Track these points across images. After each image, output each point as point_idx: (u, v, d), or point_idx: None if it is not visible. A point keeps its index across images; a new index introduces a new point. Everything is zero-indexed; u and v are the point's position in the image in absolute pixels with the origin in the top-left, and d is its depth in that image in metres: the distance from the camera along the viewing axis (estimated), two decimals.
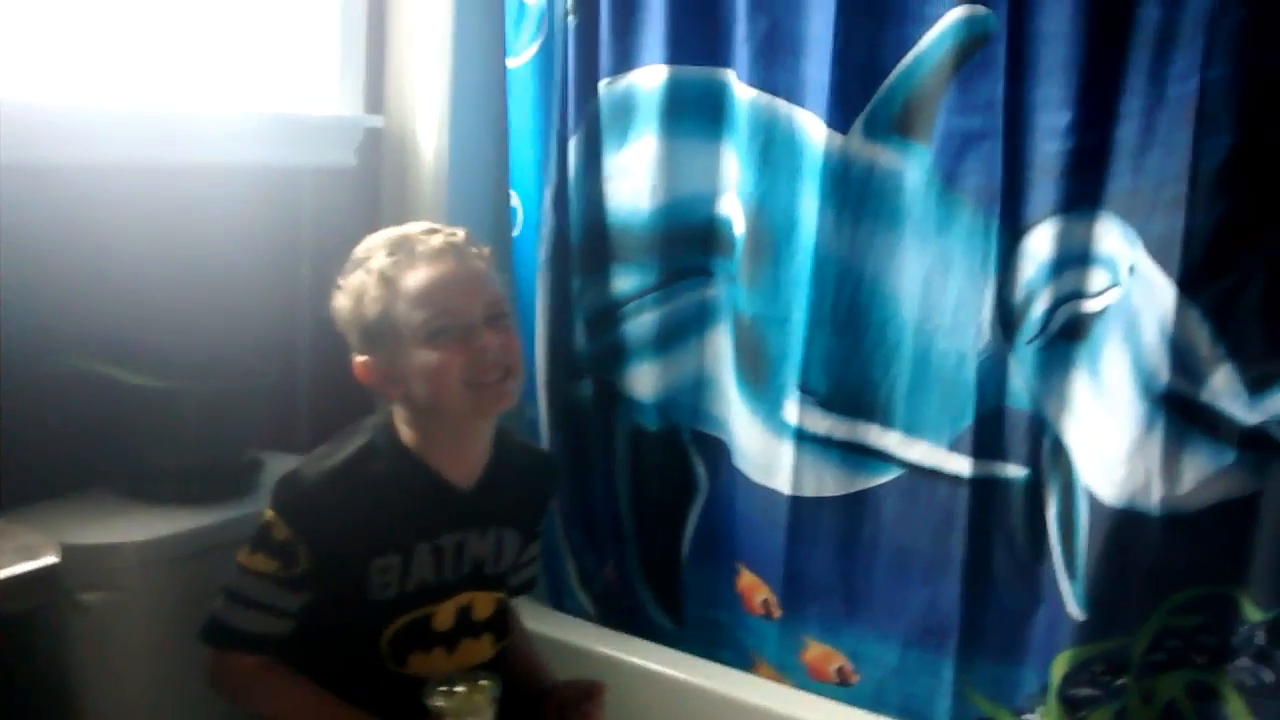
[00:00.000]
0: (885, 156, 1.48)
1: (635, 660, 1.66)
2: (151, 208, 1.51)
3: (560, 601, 1.84)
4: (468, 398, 1.22)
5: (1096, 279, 1.36)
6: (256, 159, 1.64)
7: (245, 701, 1.27)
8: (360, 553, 1.22)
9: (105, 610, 1.29)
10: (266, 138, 1.64)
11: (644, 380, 1.71)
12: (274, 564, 1.21)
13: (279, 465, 1.34)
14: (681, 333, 1.69)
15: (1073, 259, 1.37)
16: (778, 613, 1.63)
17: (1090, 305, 1.37)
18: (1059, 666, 1.40)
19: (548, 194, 1.72)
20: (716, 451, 1.70)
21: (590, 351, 1.74)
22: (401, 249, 1.23)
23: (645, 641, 1.72)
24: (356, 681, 1.24)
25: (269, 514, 1.22)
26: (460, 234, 1.28)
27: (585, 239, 1.71)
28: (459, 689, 1.20)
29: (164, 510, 1.38)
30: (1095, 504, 1.36)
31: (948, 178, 1.43)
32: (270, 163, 1.66)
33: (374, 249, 1.25)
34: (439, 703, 1.18)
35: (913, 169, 1.46)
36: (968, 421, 1.45)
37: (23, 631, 0.92)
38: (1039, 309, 1.39)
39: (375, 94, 1.83)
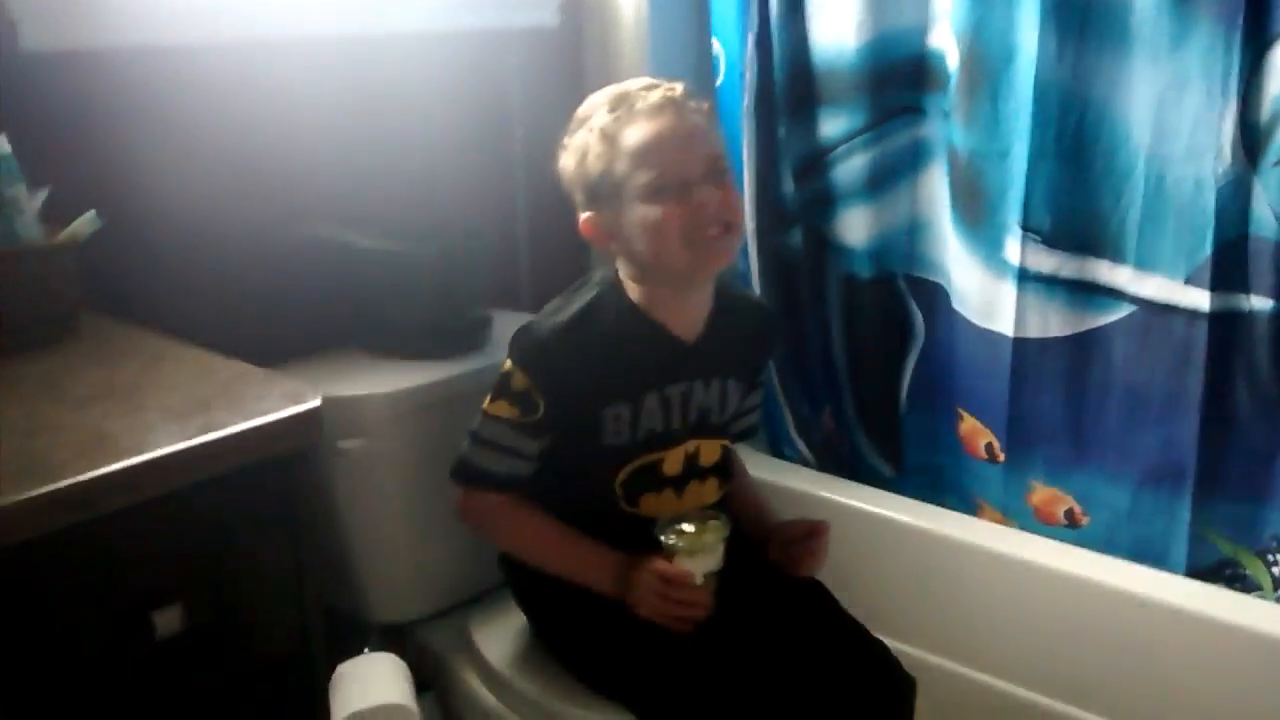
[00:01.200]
0: None
1: (857, 504, 1.68)
2: (367, 79, 1.57)
3: (779, 450, 1.87)
4: (687, 254, 1.23)
5: None
6: (463, 24, 1.67)
7: (491, 535, 1.36)
8: (591, 402, 1.27)
9: (360, 455, 1.40)
10: (472, 3, 1.67)
11: (855, 226, 1.68)
12: (514, 410, 1.27)
13: (506, 321, 1.41)
14: (893, 175, 1.65)
15: None
16: (1002, 456, 1.61)
17: None
18: None
19: (750, 39, 1.68)
20: (933, 296, 1.67)
21: (799, 199, 1.72)
22: (622, 105, 1.25)
23: (867, 486, 1.73)
24: (592, 520, 1.31)
25: (508, 364, 1.28)
26: (679, 88, 1.27)
27: (790, 83, 1.67)
28: (690, 528, 1.24)
29: (406, 364, 1.47)
30: None
31: None
32: (476, 27, 1.69)
33: (596, 106, 1.27)
34: (672, 540, 1.23)
35: None
36: (1206, 252, 1.36)
37: (302, 469, 1.00)
38: None
39: None
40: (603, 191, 1.25)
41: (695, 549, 1.23)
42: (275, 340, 1.46)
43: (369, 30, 1.55)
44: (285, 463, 0.98)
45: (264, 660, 1.02)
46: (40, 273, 1.14)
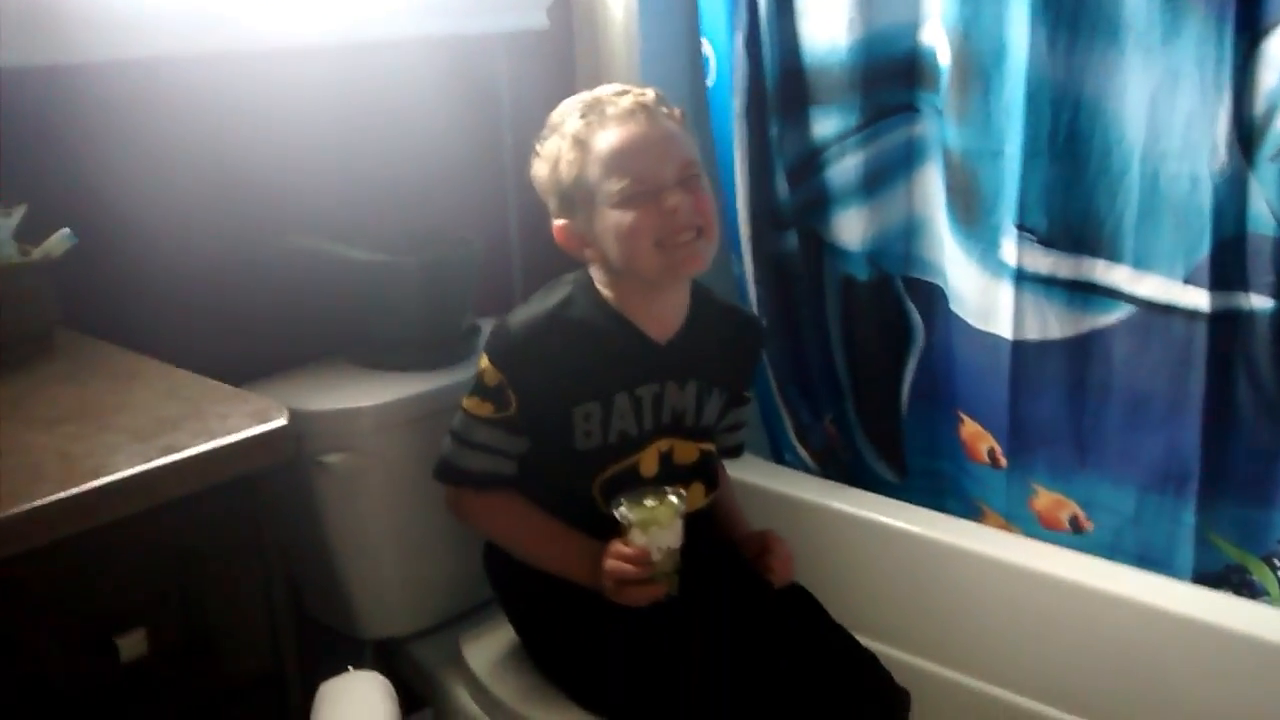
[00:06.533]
0: None
1: (859, 512, 1.65)
2: (355, 87, 1.56)
3: (780, 457, 1.84)
4: (659, 259, 1.23)
5: None
6: (452, 29, 1.65)
7: (478, 529, 1.37)
8: (562, 399, 1.26)
9: (346, 470, 1.39)
10: (460, 7, 1.66)
11: (851, 227, 1.66)
12: (488, 406, 1.27)
13: None
14: (888, 175, 1.62)
15: None
16: (1004, 461, 1.58)
17: None
18: None
19: (739, 39, 1.65)
20: (931, 298, 1.64)
21: (793, 201, 1.70)
22: (593, 111, 1.25)
23: (868, 493, 1.70)
24: (575, 526, 1.30)
25: (483, 361, 1.29)
26: (650, 94, 1.28)
27: (781, 83, 1.65)
28: (647, 502, 1.23)
29: (392, 377, 1.46)
30: None
31: None
32: (465, 31, 1.68)
33: (567, 113, 1.28)
34: (625, 513, 1.22)
35: None
36: (1204, 251, 1.33)
37: (270, 488, 0.99)
38: None
39: None
40: (575, 198, 1.25)
41: (648, 522, 1.21)
42: (259, 354, 1.46)
43: (353, 38, 1.54)
44: (253, 481, 0.97)
45: (235, 681, 1.01)
46: (14, 291, 1.14)
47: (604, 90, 1.29)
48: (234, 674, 1.01)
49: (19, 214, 1.18)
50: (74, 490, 0.85)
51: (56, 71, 1.27)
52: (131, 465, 0.89)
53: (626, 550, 1.22)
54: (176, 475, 0.91)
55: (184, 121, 1.39)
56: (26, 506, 0.83)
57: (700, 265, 1.26)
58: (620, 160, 1.22)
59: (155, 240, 1.37)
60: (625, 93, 1.27)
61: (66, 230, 1.18)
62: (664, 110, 1.28)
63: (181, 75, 1.37)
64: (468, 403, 1.29)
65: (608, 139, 1.23)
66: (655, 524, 1.21)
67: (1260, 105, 1.27)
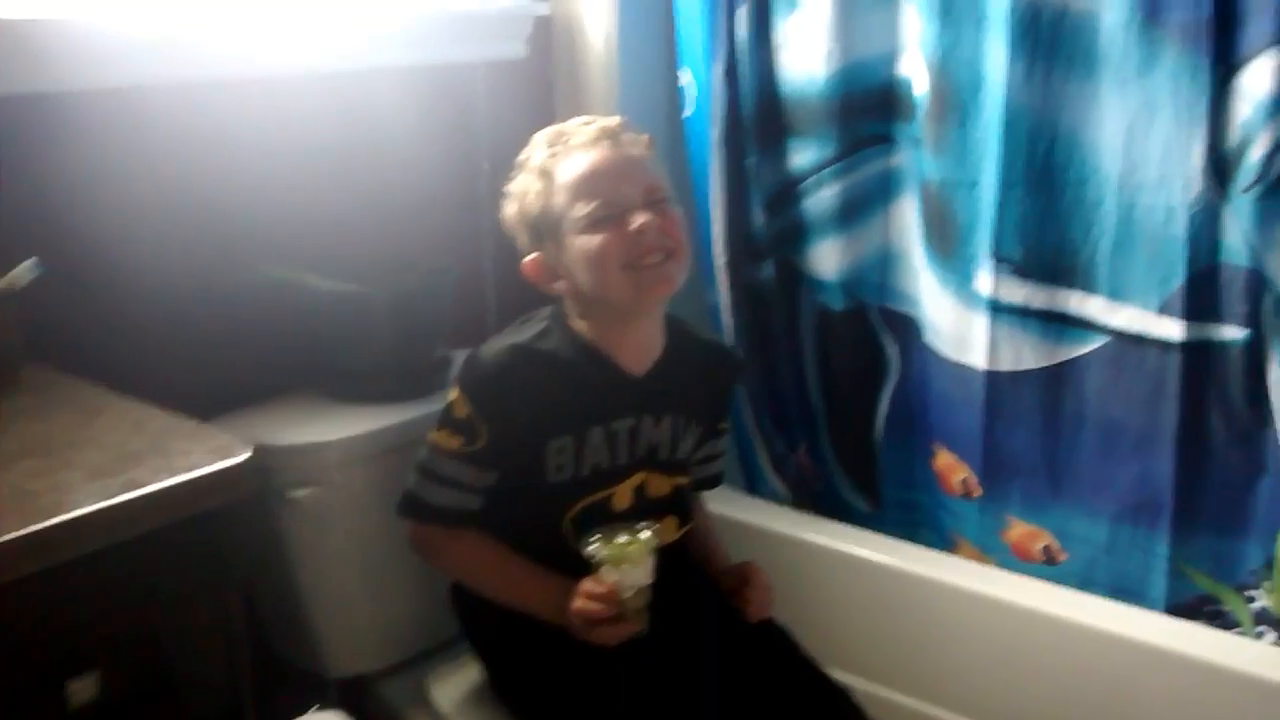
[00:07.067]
0: None
1: (833, 544, 1.64)
2: (330, 115, 1.55)
3: (754, 487, 1.83)
4: (628, 281, 1.22)
5: None
6: (429, 58, 1.65)
7: (440, 566, 1.34)
8: (534, 432, 1.25)
9: (313, 504, 1.37)
10: (437, 36, 1.65)
11: (827, 258, 1.65)
12: (457, 440, 1.25)
13: None
14: (864, 205, 1.62)
15: None
16: (978, 492, 1.57)
17: None
18: None
19: (717, 69, 1.65)
20: (907, 328, 1.64)
21: (770, 231, 1.69)
22: (558, 142, 1.26)
23: (842, 525, 1.70)
24: (543, 561, 1.28)
25: (453, 392, 1.27)
26: (614, 122, 1.28)
27: (759, 113, 1.65)
28: (620, 538, 1.21)
29: (362, 409, 1.44)
30: None
31: (1149, 13, 1.29)
32: (443, 60, 1.67)
33: (533, 149, 1.29)
34: (596, 550, 1.20)
35: (1110, 7, 1.32)
36: (1178, 282, 1.33)
37: (231, 525, 0.98)
38: (1257, 153, 1.25)
39: None
40: (543, 229, 1.25)
41: (619, 559, 1.20)
42: (230, 385, 1.44)
43: (330, 67, 1.53)
44: (213, 518, 0.96)
45: None
46: None
47: (570, 123, 1.29)
48: (191, 717, 0.99)
49: None
50: (31, 528, 0.83)
51: (25, 100, 1.25)
52: (91, 502, 0.87)
53: (596, 589, 1.19)
54: (137, 511, 0.89)
55: (155, 150, 1.37)
56: None
57: (670, 288, 1.25)
58: (585, 185, 1.22)
59: (125, 270, 1.35)
60: (590, 122, 1.27)
61: (34, 259, 1.16)
62: (628, 136, 1.27)
63: (155, 103, 1.36)
64: (435, 435, 1.27)
65: (573, 166, 1.23)
66: (627, 561, 1.19)
67: (1235, 137, 1.27)
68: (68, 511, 0.86)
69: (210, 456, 0.95)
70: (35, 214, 1.27)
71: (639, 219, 1.21)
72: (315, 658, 1.46)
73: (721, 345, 1.52)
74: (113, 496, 0.89)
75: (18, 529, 0.83)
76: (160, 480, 0.91)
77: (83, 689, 0.89)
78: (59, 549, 0.86)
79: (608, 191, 1.21)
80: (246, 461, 0.95)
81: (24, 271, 1.16)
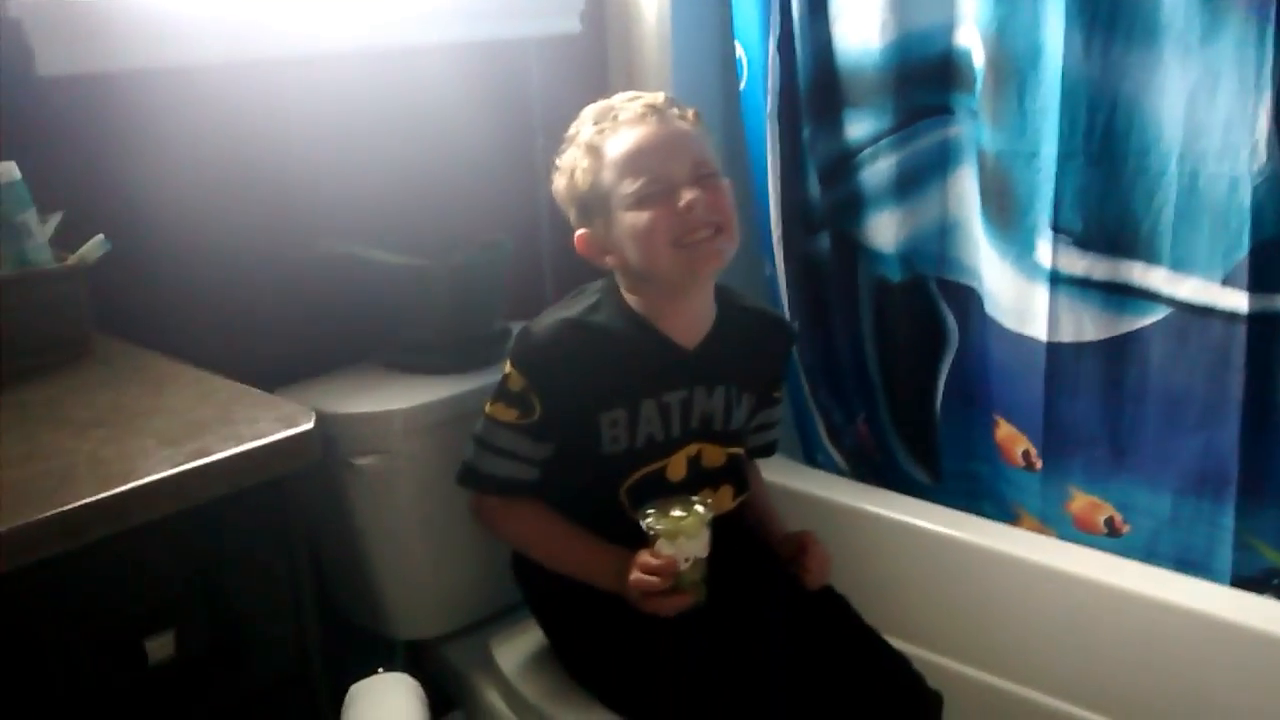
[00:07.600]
0: None
1: (891, 514, 1.64)
2: (388, 92, 1.57)
3: (812, 458, 1.83)
4: (677, 257, 1.22)
5: None
6: (485, 34, 1.66)
7: (501, 536, 1.36)
8: (588, 405, 1.26)
9: (377, 472, 1.40)
10: (493, 13, 1.66)
11: (885, 230, 1.64)
12: (513, 412, 1.27)
13: None
14: (922, 177, 1.61)
15: None
16: (1039, 464, 1.56)
17: None
18: None
19: (772, 41, 1.65)
20: (966, 300, 1.63)
21: (826, 203, 1.69)
22: (605, 118, 1.27)
23: (900, 495, 1.69)
24: (602, 531, 1.30)
25: (507, 366, 1.29)
26: (661, 97, 1.29)
27: (814, 85, 1.64)
28: (675, 512, 1.22)
29: (423, 380, 1.47)
30: None
31: None
32: (498, 36, 1.68)
33: (581, 124, 1.30)
34: (652, 524, 1.21)
35: None
36: (1243, 252, 1.31)
37: (297, 491, 1.00)
38: None
39: None
40: (592, 205, 1.26)
41: (675, 532, 1.21)
42: (293, 358, 1.47)
43: (385, 44, 1.54)
44: (280, 485, 0.98)
45: (263, 683, 1.02)
46: (51, 297, 1.15)
47: (617, 98, 1.29)
48: (261, 676, 1.01)
49: (55, 221, 1.20)
50: (105, 494, 0.86)
51: (91, 80, 1.29)
52: (162, 469, 0.90)
53: (652, 562, 1.20)
54: (205, 479, 0.91)
55: (217, 128, 1.40)
56: (59, 510, 0.84)
57: (719, 263, 1.26)
58: (633, 161, 1.22)
59: (189, 246, 1.38)
60: (637, 98, 1.28)
61: (101, 236, 1.19)
62: (675, 111, 1.28)
63: (215, 82, 1.38)
64: (491, 408, 1.29)
65: (620, 142, 1.24)
66: (682, 534, 1.20)
67: None
68: (140, 478, 0.88)
69: (276, 425, 0.97)
70: (102, 192, 1.31)
71: (687, 195, 1.21)
72: (379, 621, 1.50)
73: (772, 313, 1.51)
74: (182, 464, 0.91)
75: (92, 494, 0.86)
76: (228, 448, 0.93)
77: (160, 647, 0.92)
78: (131, 514, 0.88)
79: (655, 168, 1.22)
80: (311, 429, 0.97)
81: (93, 248, 1.19)
